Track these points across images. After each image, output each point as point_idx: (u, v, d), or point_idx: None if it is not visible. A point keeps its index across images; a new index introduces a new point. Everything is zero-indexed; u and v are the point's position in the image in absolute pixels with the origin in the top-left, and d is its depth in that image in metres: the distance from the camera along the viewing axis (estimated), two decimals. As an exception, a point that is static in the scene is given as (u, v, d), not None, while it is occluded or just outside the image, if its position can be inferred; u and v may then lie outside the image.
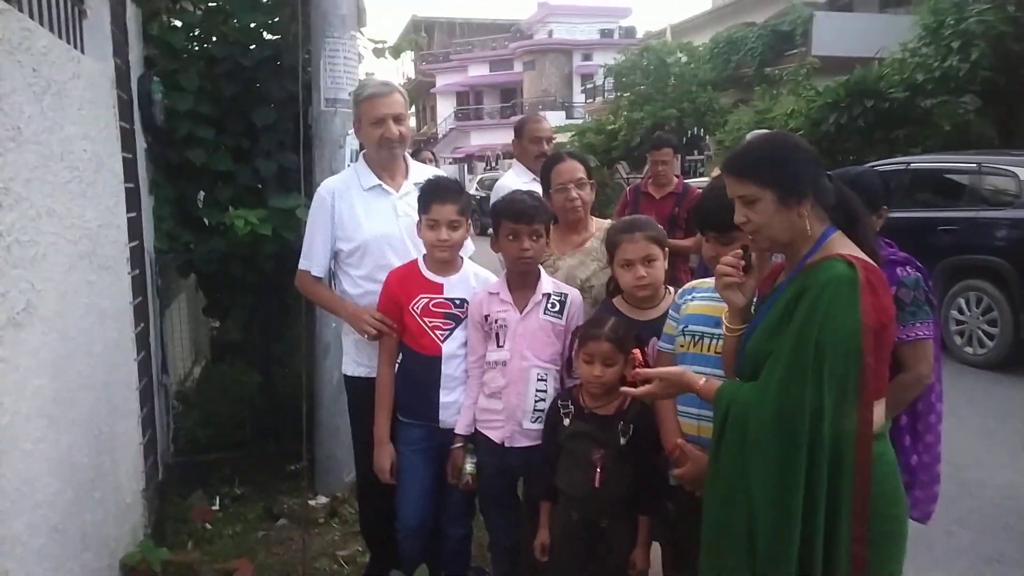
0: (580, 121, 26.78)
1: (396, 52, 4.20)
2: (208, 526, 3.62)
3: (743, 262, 1.87)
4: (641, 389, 1.98)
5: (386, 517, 2.73)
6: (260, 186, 4.00)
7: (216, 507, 3.80)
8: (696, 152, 19.04)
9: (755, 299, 1.92)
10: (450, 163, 38.30)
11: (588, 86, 34.71)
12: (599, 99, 28.49)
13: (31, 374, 1.98)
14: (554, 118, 31.97)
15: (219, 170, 3.87)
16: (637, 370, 2.02)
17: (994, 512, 3.86)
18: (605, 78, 25.27)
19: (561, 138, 24.04)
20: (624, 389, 2.09)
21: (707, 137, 18.82)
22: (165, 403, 3.88)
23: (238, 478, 3.95)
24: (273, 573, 3.17)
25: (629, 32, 40.30)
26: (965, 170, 7.00)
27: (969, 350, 6.52)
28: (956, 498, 4.05)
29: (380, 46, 4.14)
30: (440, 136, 44.15)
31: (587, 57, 38.99)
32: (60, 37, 2.54)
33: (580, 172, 2.78)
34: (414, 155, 3.71)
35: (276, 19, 3.98)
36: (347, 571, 3.27)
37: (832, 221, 1.81)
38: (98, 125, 2.84)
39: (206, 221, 3.90)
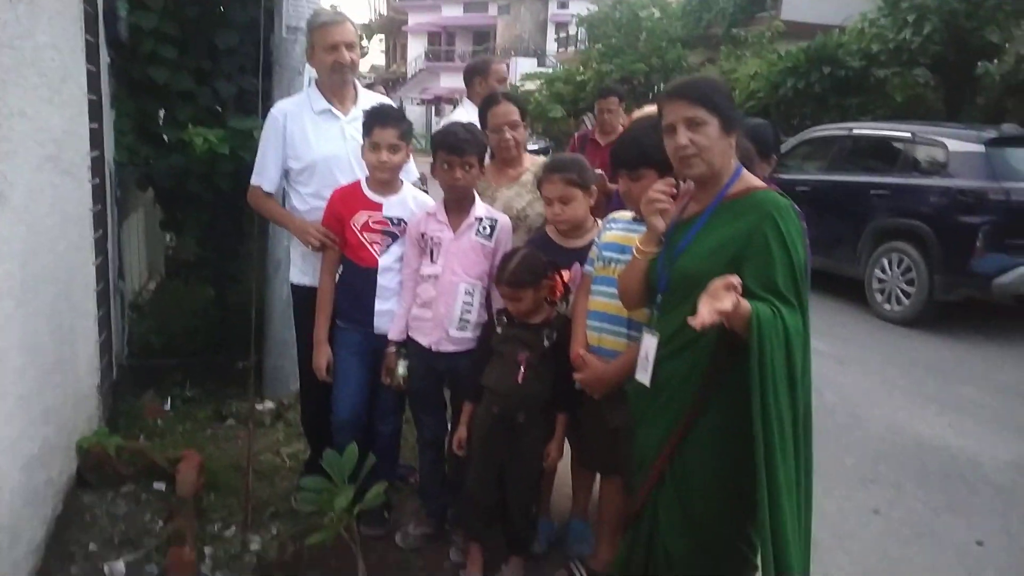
0: (551, 70, 26.70)
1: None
2: (159, 422, 3.89)
3: (673, 190, 2.12)
4: (702, 320, 1.76)
5: (324, 413, 3.03)
6: (219, 108, 4.16)
7: (167, 407, 4.07)
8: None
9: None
10: (418, 103, 37.88)
11: (562, 35, 34.49)
12: (571, 49, 28.42)
13: (2, 258, 2.21)
14: (525, 64, 31.84)
15: (180, 89, 4.01)
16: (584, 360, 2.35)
17: (877, 444, 4.31)
18: (578, 28, 25.20)
19: (530, 85, 24.06)
20: (692, 320, 1.76)
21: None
22: (121, 308, 4.09)
23: (189, 382, 4.21)
24: (219, 464, 3.45)
25: (607, -18, 39.93)
26: (900, 139, 7.38)
27: (888, 307, 6.99)
28: (849, 430, 4.50)
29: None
30: (409, 76, 43.52)
31: (563, 5, 38.47)
32: (30, -52, 2.68)
33: (514, 114, 3.02)
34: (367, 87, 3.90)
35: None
36: (289, 465, 3.58)
37: (741, 156, 2.07)
38: (65, 36, 2.99)
39: (165, 138, 4.05)
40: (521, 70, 28.39)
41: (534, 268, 2.57)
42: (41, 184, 2.63)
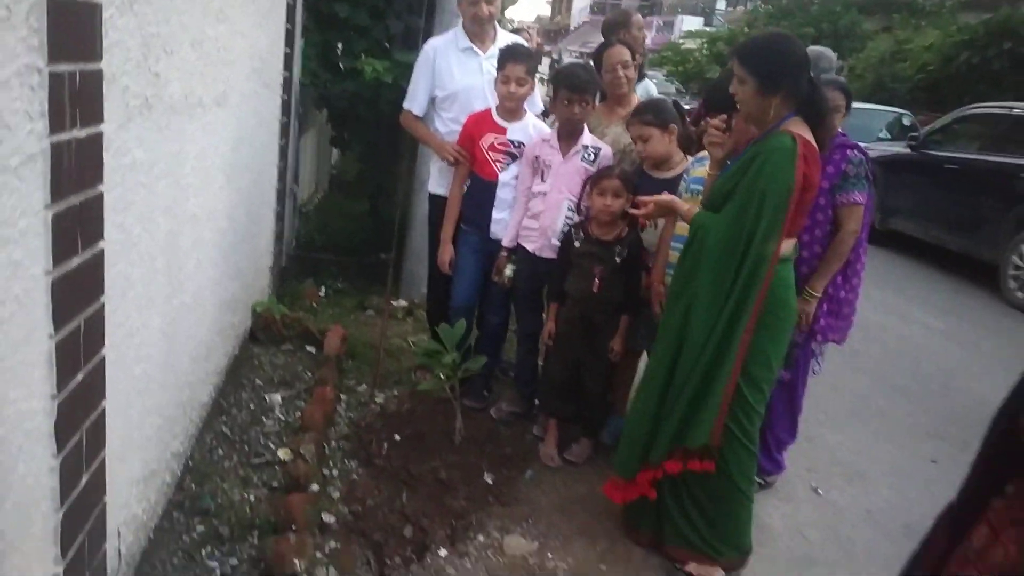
0: (715, 29, 26.05)
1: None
2: (314, 305, 4.69)
3: (725, 127, 2.58)
4: (641, 210, 2.74)
5: (444, 305, 3.65)
6: (388, 43, 4.81)
7: (322, 294, 4.87)
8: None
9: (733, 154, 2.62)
10: (576, 56, 37.92)
11: (734, -7, 33.31)
12: (740, 8, 27.51)
13: (220, 141, 2.93)
14: (691, 23, 31.12)
15: (357, 24, 4.70)
16: (641, 198, 2.79)
17: (958, 409, 4.45)
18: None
19: (691, 44, 23.67)
20: (631, 211, 2.86)
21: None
22: (293, 207, 4.91)
23: (341, 276, 4.99)
24: (358, 341, 4.18)
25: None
26: (1063, 123, 7.04)
27: (1020, 294, 6.81)
28: (935, 396, 4.67)
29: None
30: (572, 28, 43.47)
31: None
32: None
33: (626, 55, 3.43)
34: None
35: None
36: (413, 349, 4.26)
37: (801, 111, 2.46)
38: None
39: (342, 66, 4.77)
40: (685, 28, 27.85)
41: (632, 178, 3.06)
42: (249, 91, 3.35)
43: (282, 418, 3.31)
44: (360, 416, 3.45)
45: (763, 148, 2.39)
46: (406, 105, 3.64)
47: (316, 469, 2.88)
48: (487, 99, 3.48)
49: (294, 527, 2.46)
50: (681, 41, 24.05)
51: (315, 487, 2.79)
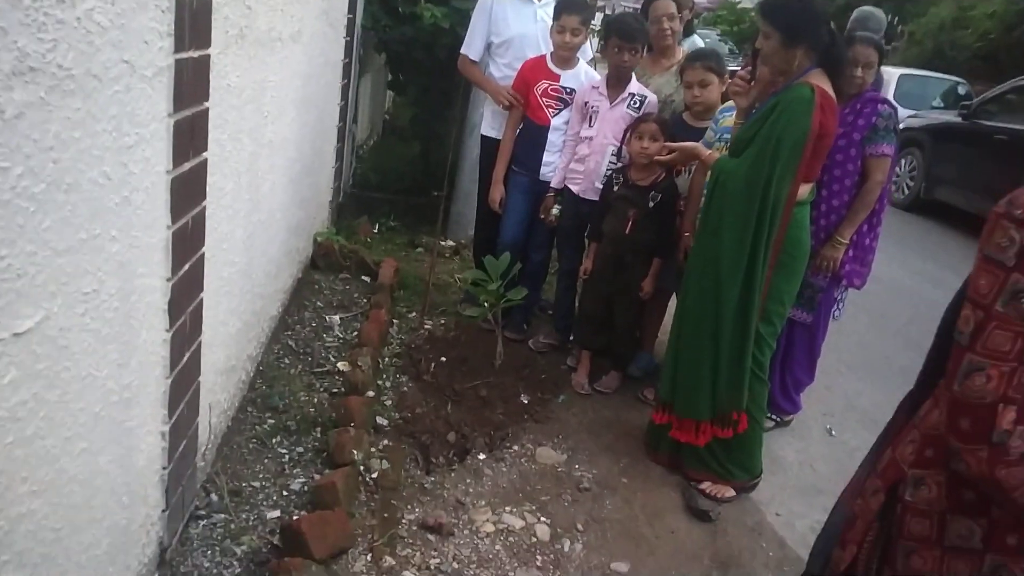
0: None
1: None
2: (368, 240, 4.97)
3: (750, 77, 2.75)
4: (666, 156, 2.96)
5: (491, 243, 3.89)
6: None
7: (376, 231, 5.15)
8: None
9: (757, 104, 2.80)
10: (631, 7, 37.17)
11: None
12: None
13: (293, 75, 3.18)
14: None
15: (417, -29, 4.89)
16: (666, 144, 2.99)
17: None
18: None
19: (746, 3, 23.18)
20: (656, 158, 3.07)
21: (900, 26, 17.76)
22: (351, 146, 5.17)
23: (394, 214, 5.27)
24: (409, 274, 4.46)
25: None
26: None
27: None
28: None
29: None
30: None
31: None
32: None
33: (672, 8, 3.57)
34: None
35: None
36: (459, 285, 4.53)
37: (822, 64, 2.63)
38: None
39: (401, 10, 4.97)
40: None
41: (668, 124, 3.26)
42: (318, 30, 3.59)
43: (340, 336, 3.62)
44: (410, 339, 3.74)
45: (783, 98, 2.56)
46: (463, 50, 3.85)
47: (371, 379, 3.18)
48: (540, 46, 3.67)
49: (353, 424, 2.76)
50: (736, 0, 23.57)
51: (371, 394, 3.10)
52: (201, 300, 2.13)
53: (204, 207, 2.06)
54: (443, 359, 3.54)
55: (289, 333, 3.55)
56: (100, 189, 1.46)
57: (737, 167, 2.65)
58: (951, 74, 11.52)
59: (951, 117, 8.88)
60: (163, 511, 2.04)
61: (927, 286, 6.14)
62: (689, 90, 3.28)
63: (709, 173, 2.80)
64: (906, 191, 9.05)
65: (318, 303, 3.93)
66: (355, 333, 3.59)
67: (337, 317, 3.79)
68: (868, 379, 4.22)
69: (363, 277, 4.33)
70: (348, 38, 4.50)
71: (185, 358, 2.04)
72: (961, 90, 10.78)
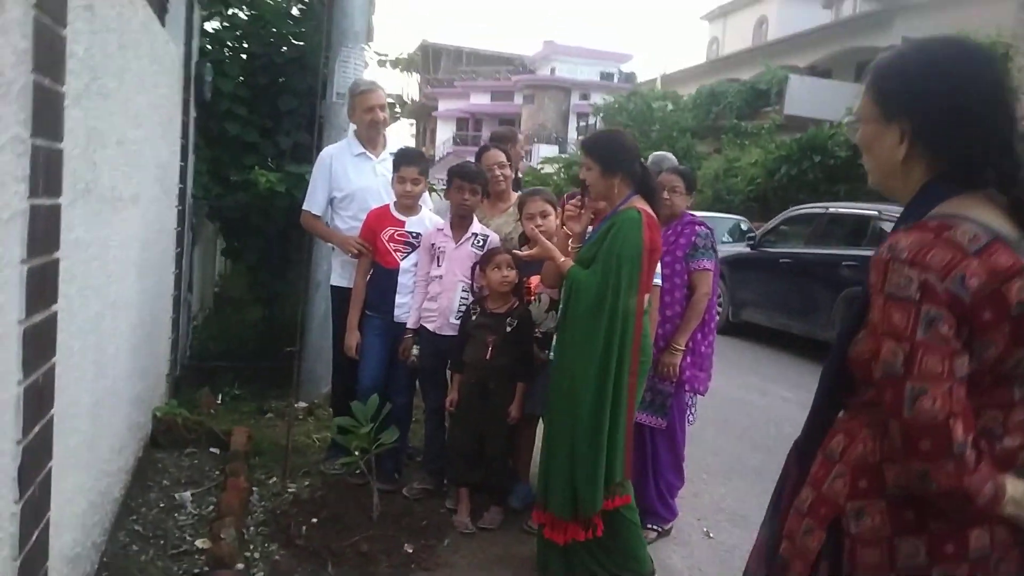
0: (568, 155, 28.17)
1: (397, 63, 5.36)
2: (212, 411, 4.67)
3: (581, 204, 3.03)
4: (527, 252, 3.11)
5: (350, 391, 3.80)
6: (279, 157, 5.11)
7: (219, 401, 4.85)
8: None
9: (589, 229, 3.06)
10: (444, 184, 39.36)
11: (582, 124, 36.24)
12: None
13: (133, 237, 3.07)
14: (547, 151, 33.48)
15: (248, 141, 4.98)
16: (532, 228, 3.17)
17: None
18: (596, 117, 26.75)
19: (549, 168, 25.44)
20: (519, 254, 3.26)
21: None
22: (187, 315, 4.95)
23: (238, 382, 5.01)
24: (263, 440, 4.20)
25: (629, 78, 41.79)
26: (869, 216, 8.22)
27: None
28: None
29: (383, 58, 5.32)
30: (437, 159, 45.43)
31: (585, 96, 40.47)
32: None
33: (502, 158, 3.90)
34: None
35: (303, 29, 5.14)
36: (318, 445, 4.31)
37: (638, 189, 2.95)
38: (172, 90, 3.97)
39: (232, 178, 4.99)
40: (542, 155, 29.96)
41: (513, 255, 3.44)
42: (154, 195, 3.53)
43: (195, 512, 3.29)
44: (274, 504, 3.47)
45: (616, 220, 2.85)
46: (306, 207, 3.91)
47: (238, 552, 2.89)
48: (382, 197, 3.81)
49: (225, 599, 2.48)
50: (540, 166, 25.80)
51: (240, 566, 2.81)
52: (50, 470, 1.89)
53: (54, 364, 1.88)
54: (314, 520, 3.30)
55: (134, 518, 3.19)
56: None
57: (589, 278, 2.84)
58: (731, 214, 13.13)
59: (742, 248, 10.02)
60: None
61: (756, 395, 6.65)
62: (530, 221, 3.51)
63: (564, 280, 2.97)
64: (716, 316, 9.93)
65: (164, 481, 3.59)
66: (211, 508, 3.29)
67: (188, 493, 3.46)
68: (728, 481, 4.42)
69: (212, 449, 4.02)
70: (180, 207, 4.43)
71: (34, 537, 1.78)
72: (743, 226, 12.27)
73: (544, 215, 3.48)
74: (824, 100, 17.81)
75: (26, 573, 1.72)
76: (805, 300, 8.42)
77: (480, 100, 45.78)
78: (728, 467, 4.69)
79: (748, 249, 9.71)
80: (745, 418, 5.87)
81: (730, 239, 11.84)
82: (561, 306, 2.99)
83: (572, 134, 39.05)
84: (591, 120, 30.22)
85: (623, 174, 2.90)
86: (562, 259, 2.98)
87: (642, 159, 3.03)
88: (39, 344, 1.75)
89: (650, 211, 2.89)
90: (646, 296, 2.93)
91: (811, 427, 1.49)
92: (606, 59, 45.48)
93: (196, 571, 2.81)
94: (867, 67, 1.44)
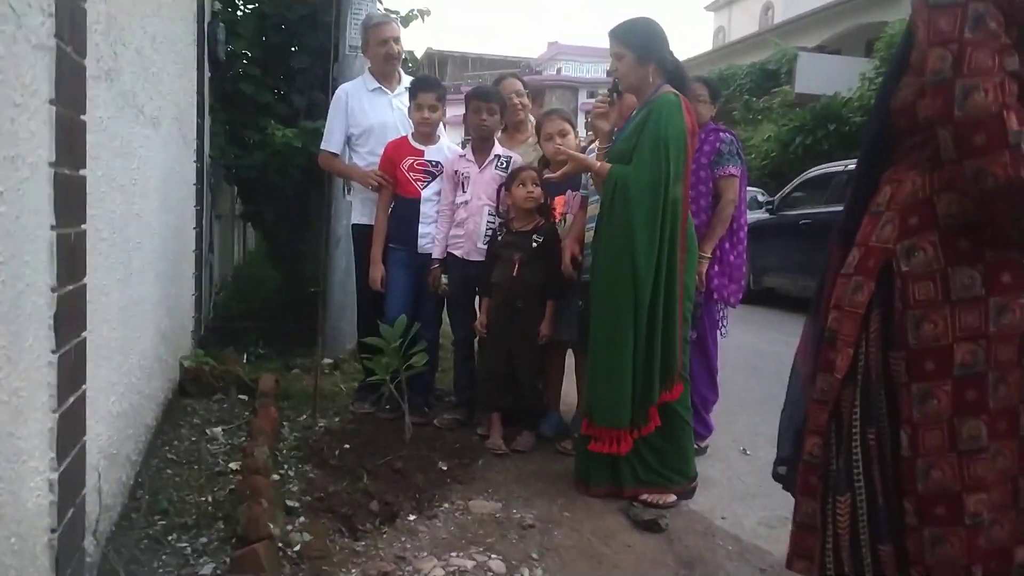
0: (580, 150, 28.14)
1: (406, 21, 5.35)
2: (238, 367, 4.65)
3: (609, 99, 2.97)
4: (559, 172, 3.05)
5: (376, 328, 3.77)
6: (294, 117, 5.11)
7: (245, 360, 4.84)
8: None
9: (616, 129, 3.01)
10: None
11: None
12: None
13: (155, 163, 3.07)
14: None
15: (262, 101, 4.99)
16: (560, 148, 3.11)
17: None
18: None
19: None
20: (549, 176, 3.19)
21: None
22: (209, 275, 4.95)
23: (261, 342, 5.00)
24: (290, 387, 4.18)
25: (635, 73, 41.72)
26: (889, 167, 8.13)
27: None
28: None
29: (395, 14, 5.29)
30: (447, 164, 45.47)
31: (592, 94, 40.31)
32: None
33: (519, 86, 3.87)
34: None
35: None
36: (345, 392, 4.29)
37: (670, 79, 2.90)
38: (186, 43, 3.97)
39: (249, 139, 5.00)
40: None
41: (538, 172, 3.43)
42: (172, 133, 3.52)
43: (226, 442, 3.28)
44: (306, 435, 3.45)
45: (653, 106, 2.78)
46: (323, 146, 3.89)
47: (272, 467, 2.87)
48: (400, 132, 3.79)
49: (263, 500, 2.45)
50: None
51: (275, 477, 2.79)
52: (85, 339, 1.88)
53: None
54: (346, 446, 3.27)
55: (166, 448, 3.17)
56: None
57: (637, 171, 2.75)
58: (750, 187, 13.02)
59: (760, 215, 9.93)
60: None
61: (782, 347, 6.49)
62: (550, 141, 3.47)
63: (604, 183, 2.89)
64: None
65: (195, 420, 3.58)
66: (243, 438, 3.27)
67: (219, 429, 3.45)
68: (761, 410, 4.34)
69: (240, 396, 4.01)
70: (198, 163, 4.43)
71: (70, 401, 1.76)
72: (760, 198, 12.14)
73: (563, 134, 3.45)
74: (834, 76, 17.57)
75: (65, 424, 1.70)
76: (825, 257, 8.31)
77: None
78: (760, 400, 4.60)
79: (767, 215, 9.62)
80: (775, 363, 5.73)
81: (747, 210, 11.75)
82: (603, 203, 2.90)
83: (582, 131, 38.90)
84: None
85: (656, 63, 2.84)
86: (599, 164, 2.91)
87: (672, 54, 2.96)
88: (73, 259, 1.73)
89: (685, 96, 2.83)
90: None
91: (853, 201, 1.46)
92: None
93: (231, 487, 2.78)
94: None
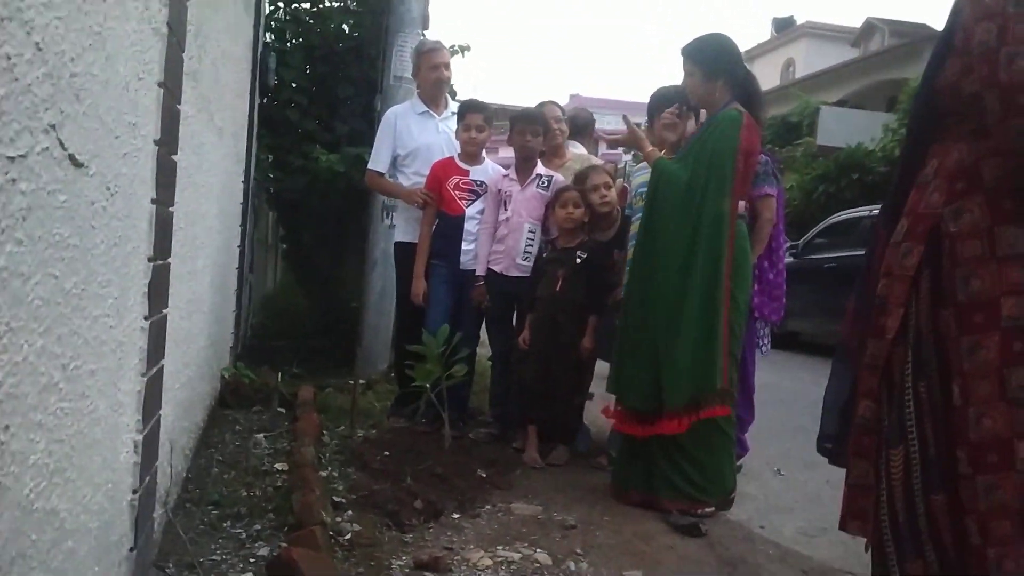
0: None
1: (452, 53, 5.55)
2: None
3: (679, 112, 3.11)
4: (617, 138, 3.23)
5: (415, 340, 3.85)
6: (336, 144, 5.29)
7: (280, 379, 4.93)
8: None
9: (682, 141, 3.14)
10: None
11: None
12: (620, 181, 30.28)
13: (217, 171, 3.21)
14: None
15: (306, 128, 5.19)
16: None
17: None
18: (626, 163, 27.01)
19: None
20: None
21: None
22: (248, 294, 5.08)
23: (297, 361, 5.09)
24: (329, 402, 4.25)
25: (655, 126, 42.29)
26: (914, 212, 8.22)
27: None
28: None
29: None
30: (468, 211, 45.93)
31: (612, 146, 40.82)
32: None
33: (558, 112, 4.03)
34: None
35: (358, 20, 5.38)
36: (379, 407, 4.35)
37: (740, 98, 3.01)
38: (242, 68, 4.16)
39: (292, 163, 5.17)
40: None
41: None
42: (230, 149, 3.68)
43: (270, 447, 3.35)
44: (346, 443, 3.51)
45: (715, 120, 2.90)
46: (371, 166, 4.04)
47: (318, 465, 2.94)
48: (444, 154, 3.94)
49: (316, 490, 2.52)
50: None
51: (322, 474, 2.85)
52: (166, 316, 1.98)
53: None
54: (386, 453, 3.34)
55: (212, 450, 3.25)
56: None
57: (679, 170, 2.89)
58: (770, 235, 13.11)
59: (787, 259, 10.00)
60: (131, 550, 1.74)
61: (811, 387, 6.49)
62: (596, 192, 3.55)
63: (651, 173, 3.02)
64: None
65: (236, 427, 3.66)
66: (285, 444, 3.35)
67: (262, 436, 3.52)
68: (795, 437, 4.36)
69: (279, 409, 4.09)
70: (245, 183, 4.60)
71: (154, 370, 1.86)
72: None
73: (608, 187, 3.57)
74: (856, 129, 17.74)
75: (151, 387, 1.79)
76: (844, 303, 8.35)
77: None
78: (793, 430, 4.62)
79: (792, 259, 9.70)
80: (804, 399, 5.73)
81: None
82: (647, 193, 3.02)
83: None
84: (620, 165, 30.52)
85: (725, 78, 2.94)
86: (649, 148, 3.03)
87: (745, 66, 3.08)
88: (164, 235, 1.85)
89: (750, 115, 2.91)
90: (742, 203, 2.97)
91: (900, 177, 1.55)
92: (631, 109, 46.00)
93: (279, 484, 2.85)
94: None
